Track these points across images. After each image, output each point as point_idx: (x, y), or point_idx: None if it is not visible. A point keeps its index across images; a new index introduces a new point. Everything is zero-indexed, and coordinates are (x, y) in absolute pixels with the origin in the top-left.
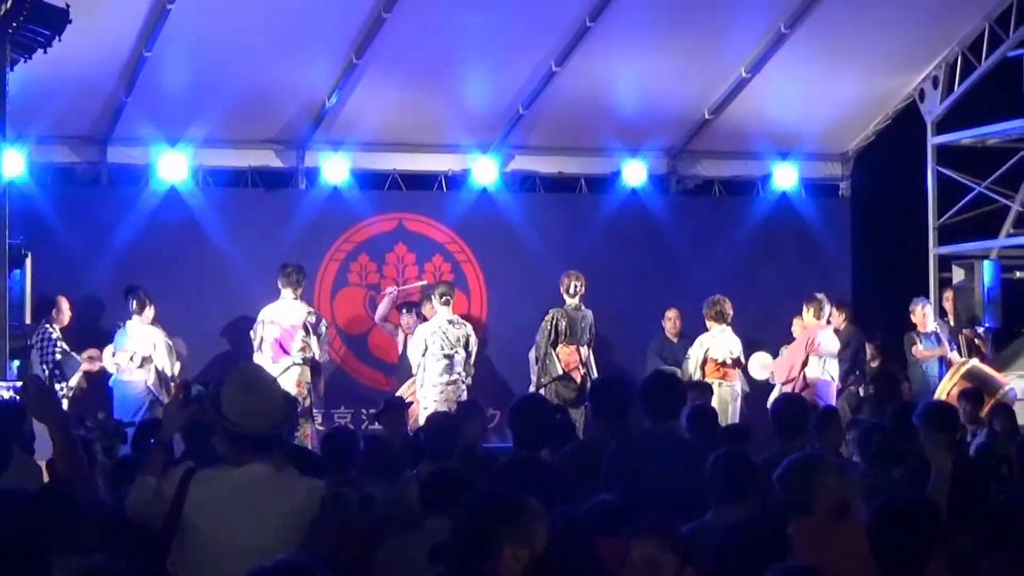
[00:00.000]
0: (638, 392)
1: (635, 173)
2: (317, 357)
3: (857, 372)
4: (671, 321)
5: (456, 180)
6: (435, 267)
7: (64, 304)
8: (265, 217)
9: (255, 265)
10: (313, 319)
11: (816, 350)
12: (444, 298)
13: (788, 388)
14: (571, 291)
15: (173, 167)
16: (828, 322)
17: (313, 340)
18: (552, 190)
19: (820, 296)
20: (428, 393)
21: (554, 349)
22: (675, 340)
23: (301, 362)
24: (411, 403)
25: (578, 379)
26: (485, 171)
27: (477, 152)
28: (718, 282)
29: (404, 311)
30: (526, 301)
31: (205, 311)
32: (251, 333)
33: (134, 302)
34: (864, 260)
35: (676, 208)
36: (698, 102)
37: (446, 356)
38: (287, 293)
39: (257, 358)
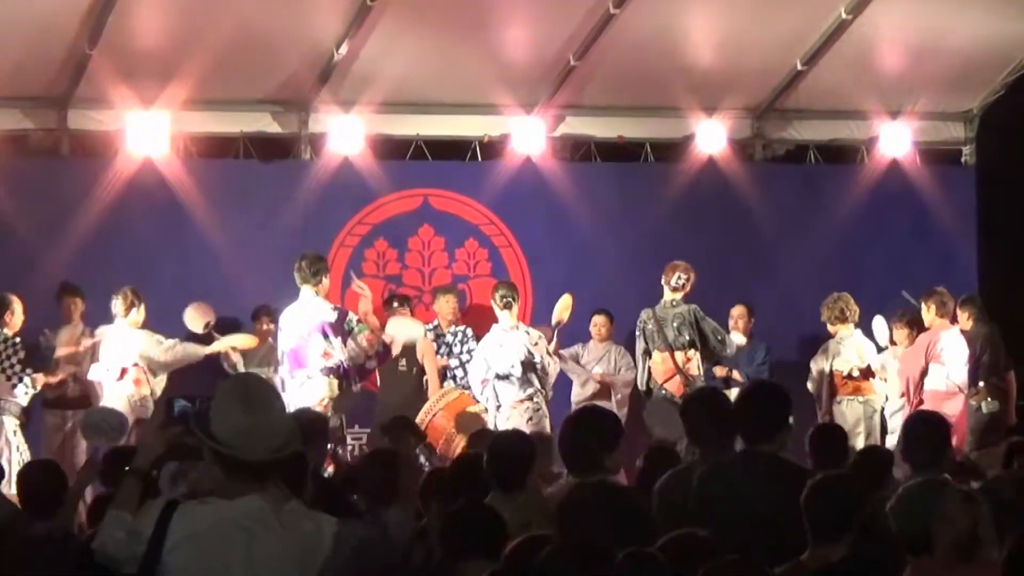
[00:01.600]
0: (733, 406)
1: (712, 137)
2: (346, 361)
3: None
4: (736, 320)
5: (493, 148)
6: (468, 254)
7: (16, 304)
8: (261, 195)
9: (249, 254)
10: (333, 317)
11: (938, 357)
12: (505, 300)
13: (902, 404)
14: (672, 283)
15: (148, 134)
16: (953, 321)
17: (336, 343)
18: (610, 158)
19: (941, 289)
20: (504, 420)
21: (648, 358)
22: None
23: (322, 374)
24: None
25: (677, 391)
26: (529, 136)
27: (519, 113)
28: (811, 270)
29: (395, 304)
30: (579, 295)
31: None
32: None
33: (119, 301)
34: (993, 242)
35: (762, 179)
36: (788, 50)
37: (515, 372)
38: (305, 291)
39: (282, 375)
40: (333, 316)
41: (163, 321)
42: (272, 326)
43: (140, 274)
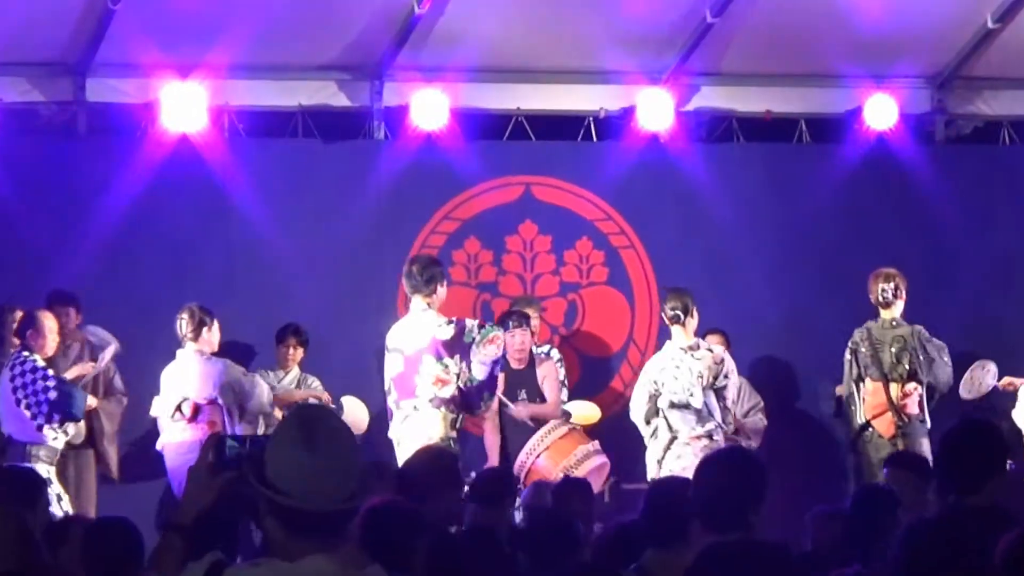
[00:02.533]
0: (939, 449)
1: (882, 111)
2: (462, 383)
3: None
4: None
5: (611, 125)
6: (579, 257)
7: (48, 322)
8: (323, 182)
9: (308, 254)
10: (449, 332)
11: None
12: (674, 313)
13: None
14: (881, 298)
15: (185, 108)
16: None
17: (452, 363)
18: (757, 138)
19: None
20: (675, 457)
21: (858, 388)
22: None
23: (432, 405)
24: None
25: (886, 431)
26: (655, 111)
27: (643, 83)
28: (1002, 275)
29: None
30: (719, 306)
31: (235, 321)
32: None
33: (186, 321)
34: None
35: (944, 163)
36: (977, 4)
37: (695, 402)
38: (416, 303)
39: (389, 405)
40: (449, 332)
41: None
42: (300, 350)
43: (175, 277)
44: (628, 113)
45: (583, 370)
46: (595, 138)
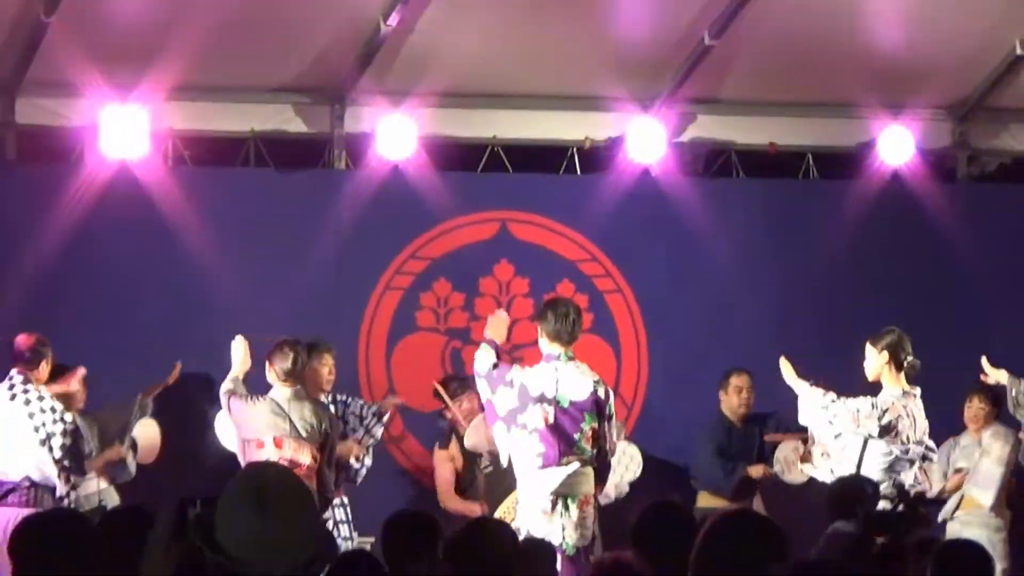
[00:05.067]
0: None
1: (898, 145)
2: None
3: None
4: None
5: (597, 156)
6: None
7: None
8: (278, 215)
9: (260, 294)
10: (603, 392)
11: None
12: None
13: None
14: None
15: (125, 132)
16: None
17: (612, 428)
18: (759, 172)
19: None
20: None
21: None
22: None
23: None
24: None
25: None
26: (646, 141)
27: (633, 110)
28: None
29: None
30: (715, 357)
31: (184, 365)
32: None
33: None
34: None
35: (966, 202)
36: (1003, 29)
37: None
38: (554, 347)
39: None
40: (602, 389)
41: (134, 384)
42: None
43: (112, 320)
44: (616, 143)
45: None
46: (579, 171)
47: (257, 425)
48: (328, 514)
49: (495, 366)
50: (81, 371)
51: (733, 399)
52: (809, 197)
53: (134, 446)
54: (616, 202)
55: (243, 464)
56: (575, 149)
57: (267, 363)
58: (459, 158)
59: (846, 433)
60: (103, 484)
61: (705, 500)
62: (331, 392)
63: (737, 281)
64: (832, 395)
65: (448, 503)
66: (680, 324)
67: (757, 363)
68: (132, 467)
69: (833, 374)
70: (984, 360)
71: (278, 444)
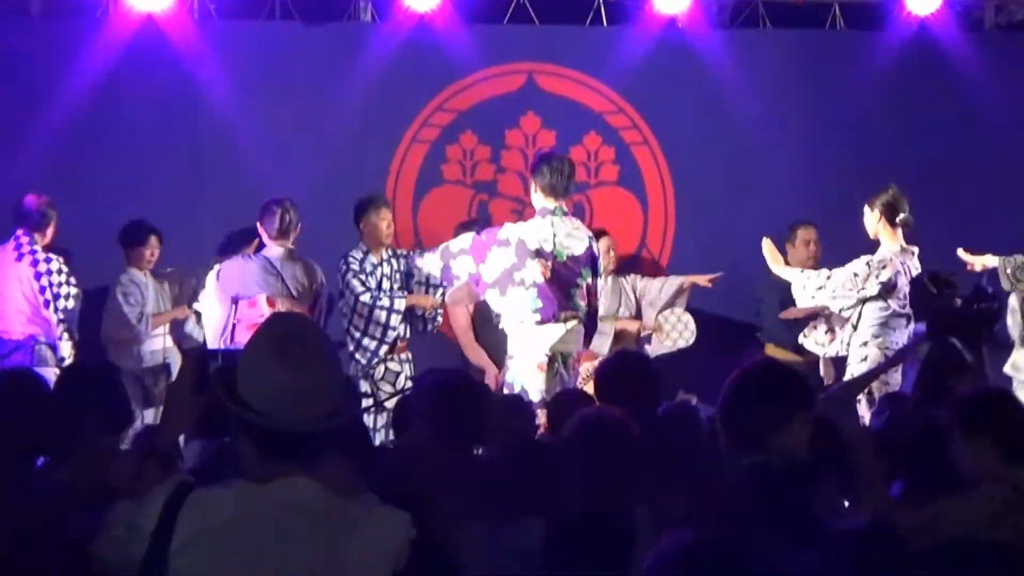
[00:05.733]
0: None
1: None
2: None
3: None
4: (795, 246)
5: (624, 7)
6: (587, 153)
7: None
8: (303, 69)
9: (285, 148)
10: (596, 248)
11: None
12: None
13: None
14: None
15: None
16: None
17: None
18: (786, 23)
19: None
20: None
21: None
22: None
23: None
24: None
25: None
26: None
27: None
28: None
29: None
30: (743, 209)
31: (204, 219)
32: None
33: None
34: None
35: (993, 52)
36: None
37: None
38: (548, 201)
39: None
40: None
41: (169, 227)
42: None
43: (138, 174)
44: None
45: None
46: (605, 22)
47: (249, 283)
48: (397, 367)
49: (472, 239)
50: (153, 238)
51: (801, 251)
52: (836, 48)
53: (199, 316)
54: (642, 54)
55: (228, 332)
56: (601, 0)
57: (258, 224)
58: (485, 9)
59: (849, 302)
60: (169, 343)
61: (772, 352)
62: (390, 247)
63: (764, 132)
64: (824, 271)
65: (470, 354)
66: (707, 175)
67: (787, 212)
68: (196, 334)
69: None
70: (961, 252)
71: (271, 303)
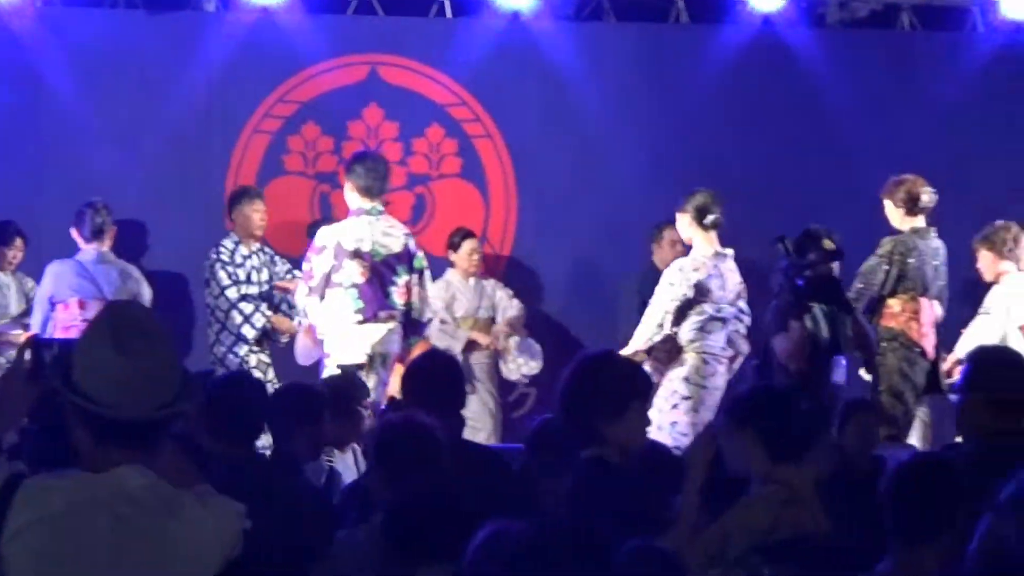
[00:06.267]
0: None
1: None
2: (422, 316)
3: None
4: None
5: (468, 0)
6: (430, 145)
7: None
8: (146, 58)
9: (127, 139)
10: (412, 244)
11: None
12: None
13: None
14: (924, 203)
15: None
16: None
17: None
18: (630, 16)
19: None
20: None
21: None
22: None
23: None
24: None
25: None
26: None
27: None
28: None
29: None
30: (584, 206)
31: (47, 218)
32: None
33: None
34: None
35: (836, 49)
36: None
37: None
38: (364, 202)
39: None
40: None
41: (11, 215)
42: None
43: None
44: None
45: (432, 270)
46: (449, 14)
47: (62, 287)
48: (268, 359)
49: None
50: (19, 240)
51: (667, 251)
52: (679, 42)
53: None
54: (486, 46)
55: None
56: None
57: (72, 229)
58: (328, 1)
59: (676, 304)
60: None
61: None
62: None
63: (609, 125)
64: (648, 307)
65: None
66: (551, 169)
67: (630, 207)
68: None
69: None
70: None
71: (82, 305)
